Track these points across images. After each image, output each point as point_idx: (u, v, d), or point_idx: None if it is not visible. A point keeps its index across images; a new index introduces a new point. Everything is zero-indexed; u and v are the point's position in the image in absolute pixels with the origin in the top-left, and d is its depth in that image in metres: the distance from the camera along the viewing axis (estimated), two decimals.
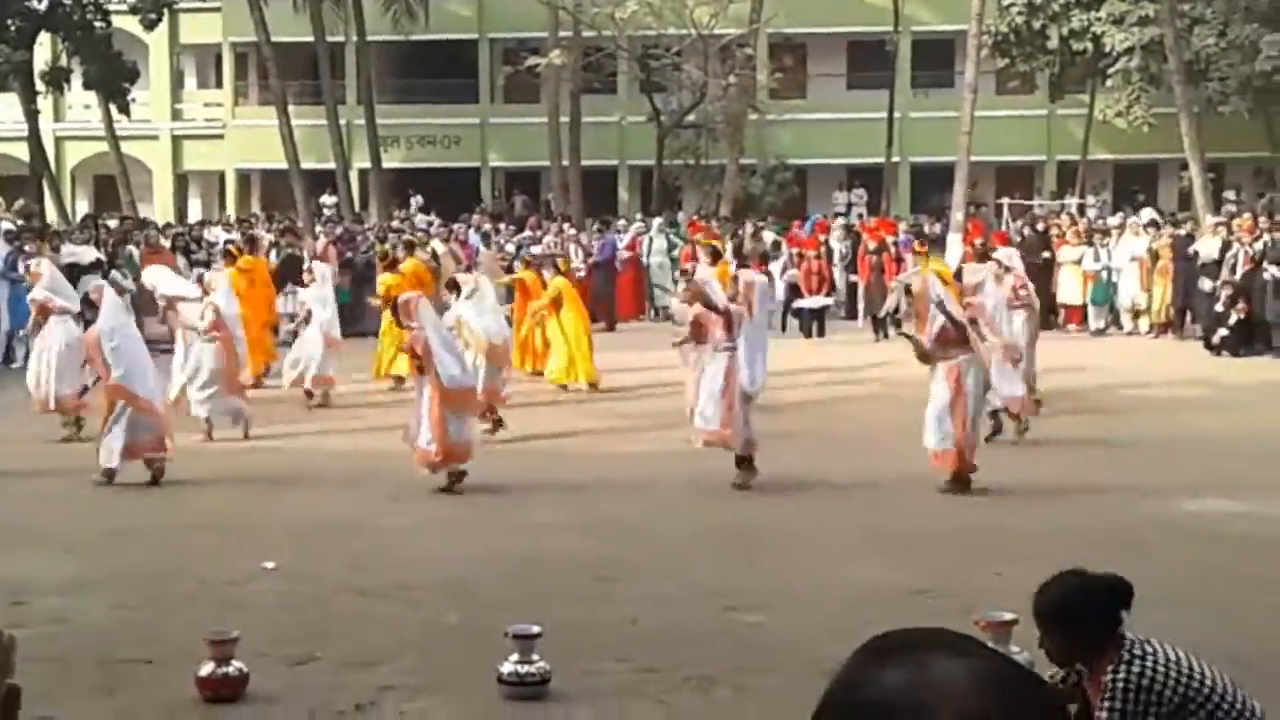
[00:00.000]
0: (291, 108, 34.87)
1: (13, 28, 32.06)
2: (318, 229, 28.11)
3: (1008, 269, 14.34)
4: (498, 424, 13.70)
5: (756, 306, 11.45)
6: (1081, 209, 31.99)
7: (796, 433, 13.91)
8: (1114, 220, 25.94)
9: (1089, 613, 4.23)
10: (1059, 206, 32.29)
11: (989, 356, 11.62)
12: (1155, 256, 22.52)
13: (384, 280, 17.69)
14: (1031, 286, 14.76)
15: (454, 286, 14.78)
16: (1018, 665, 1.22)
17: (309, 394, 16.03)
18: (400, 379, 16.02)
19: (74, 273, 20.28)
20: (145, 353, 12.14)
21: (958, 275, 13.14)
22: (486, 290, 15.07)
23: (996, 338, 12.37)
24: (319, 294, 16.60)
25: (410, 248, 20.08)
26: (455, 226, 27.84)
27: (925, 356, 11.07)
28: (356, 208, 36.00)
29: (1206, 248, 21.22)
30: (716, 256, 14.09)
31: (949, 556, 9.14)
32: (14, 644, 1.79)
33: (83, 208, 39.25)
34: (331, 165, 35.62)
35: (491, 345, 14.14)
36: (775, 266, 26.03)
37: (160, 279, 14.97)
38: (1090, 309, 23.47)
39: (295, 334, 17.24)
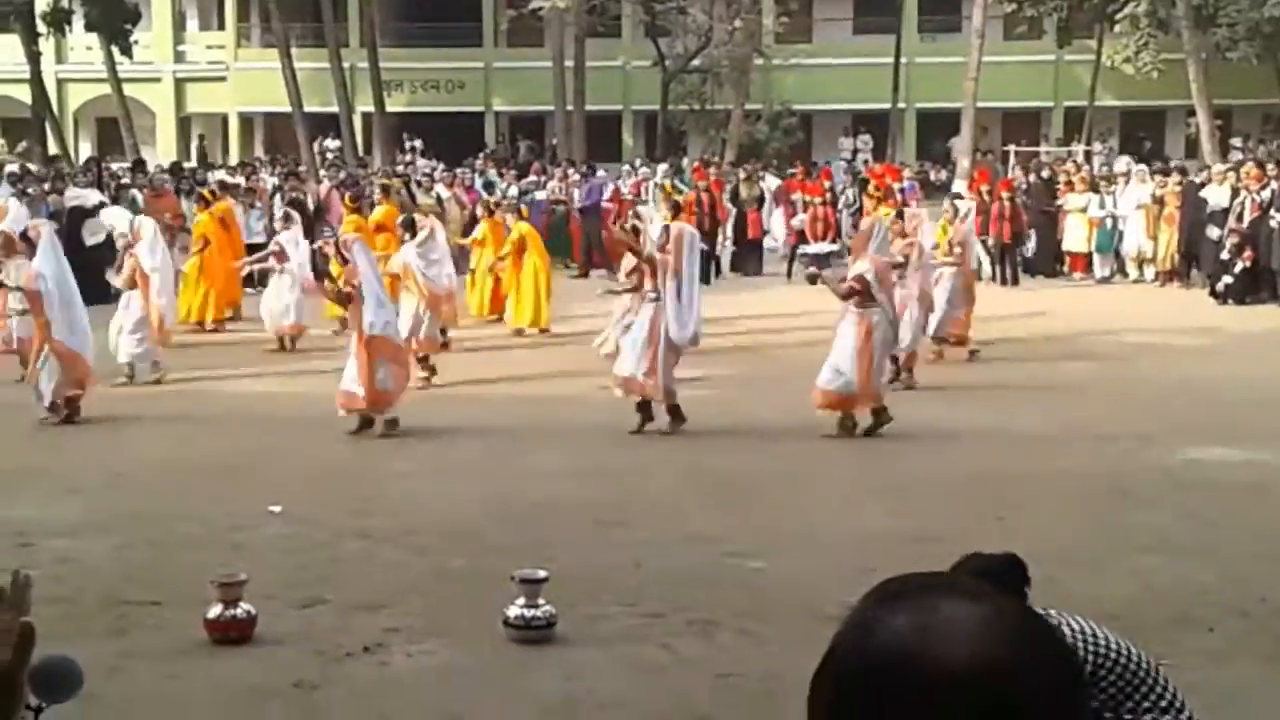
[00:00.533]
0: (294, 50, 34.67)
1: None
2: (321, 173, 28.03)
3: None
4: (432, 371, 13.78)
5: (686, 258, 11.48)
6: (1088, 155, 31.84)
7: (792, 377, 13.93)
8: (1120, 167, 25.81)
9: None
10: (1065, 153, 32.14)
11: (902, 307, 12.35)
12: (1161, 204, 22.43)
13: (349, 221, 17.71)
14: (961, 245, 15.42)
15: (409, 226, 14.75)
16: (1030, 610, 1.22)
17: (282, 342, 16.09)
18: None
19: (77, 216, 20.28)
20: (77, 298, 12.10)
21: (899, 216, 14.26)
22: (440, 237, 15.09)
23: (915, 284, 13.35)
24: (291, 237, 16.63)
25: (386, 191, 20.10)
26: (459, 171, 27.75)
27: (844, 296, 11.48)
28: (360, 152, 35.87)
29: (1215, 195, 21.14)
30: (677, 209, 14.13)
31: (950, 503, 9.18)
32: (29, 583, 1.81)
33: (85, 150, 39.09)
34: (335, 109, 35.45)
35: (433, 294, 14.17)
36: (777, 214, 26.03)
37: (118, 220, 14.83)
38: (1095, 256, 23.41)
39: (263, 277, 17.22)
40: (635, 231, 12.72)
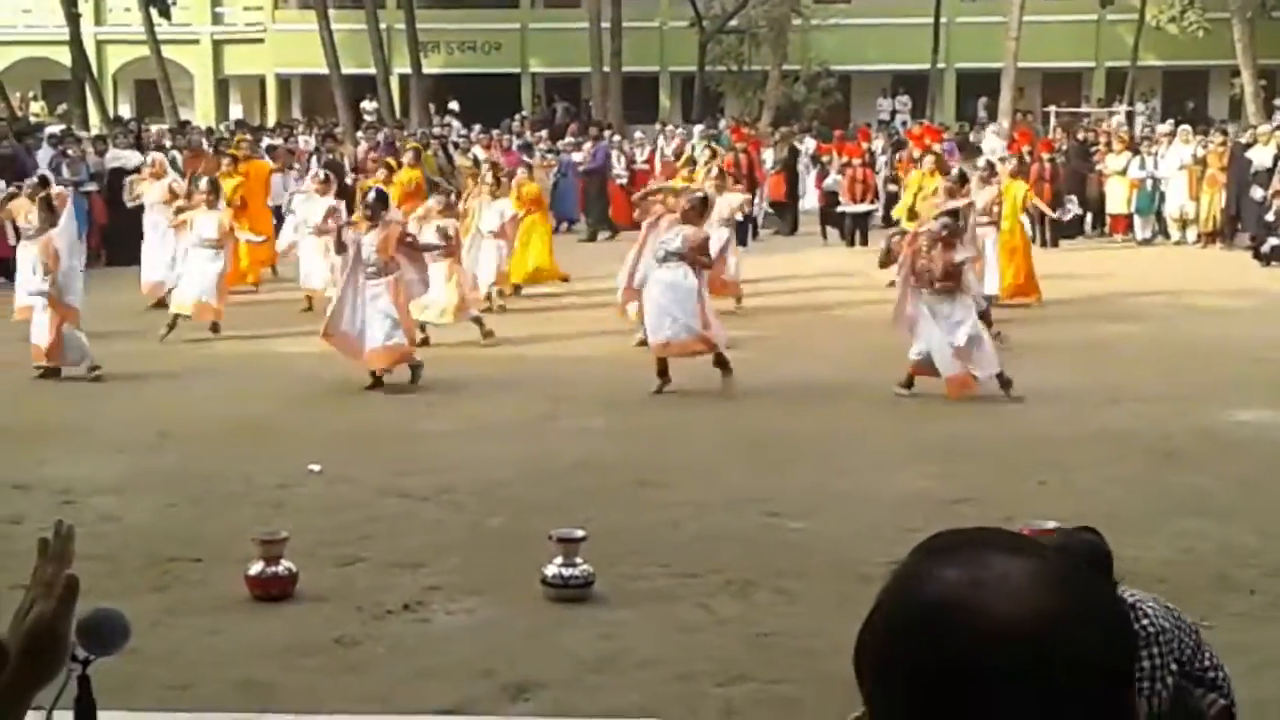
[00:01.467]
0: (332, 12, 34.65)
1: None
2: (358, 135, 28.04)
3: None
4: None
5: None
6: (1130, 116, 31.48)
7: (832, 338, 13.90)
8: (1163, 128, 25.51)
9: None
10: (1106, 114, 31.79)
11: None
12: (1204, 165, 22.17)
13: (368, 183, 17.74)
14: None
15: (435, 189, 14.95)
16: (1080, 566, 1.21)
17: (310, 302, 15.91)
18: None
19: (118, 177, 20.38)
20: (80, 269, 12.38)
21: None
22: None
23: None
24: (308, 199, 16.55)
25: (417, 155, 20.02)
26: (495, 133, 27.70)
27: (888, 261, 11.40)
28: (397, 114, 35.87)
29: (1260, 156, 20.88)
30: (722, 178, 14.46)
31: (992, 465, 9.14)
32: (72, 534, 1.81)
33: (125, 112, 39.26)
34: (372, 71, 35.44)
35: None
36: (809, 176, 25.91)
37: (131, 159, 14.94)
38: (1136, 218, 23.19)
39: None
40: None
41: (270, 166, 20.57)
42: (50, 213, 12.30)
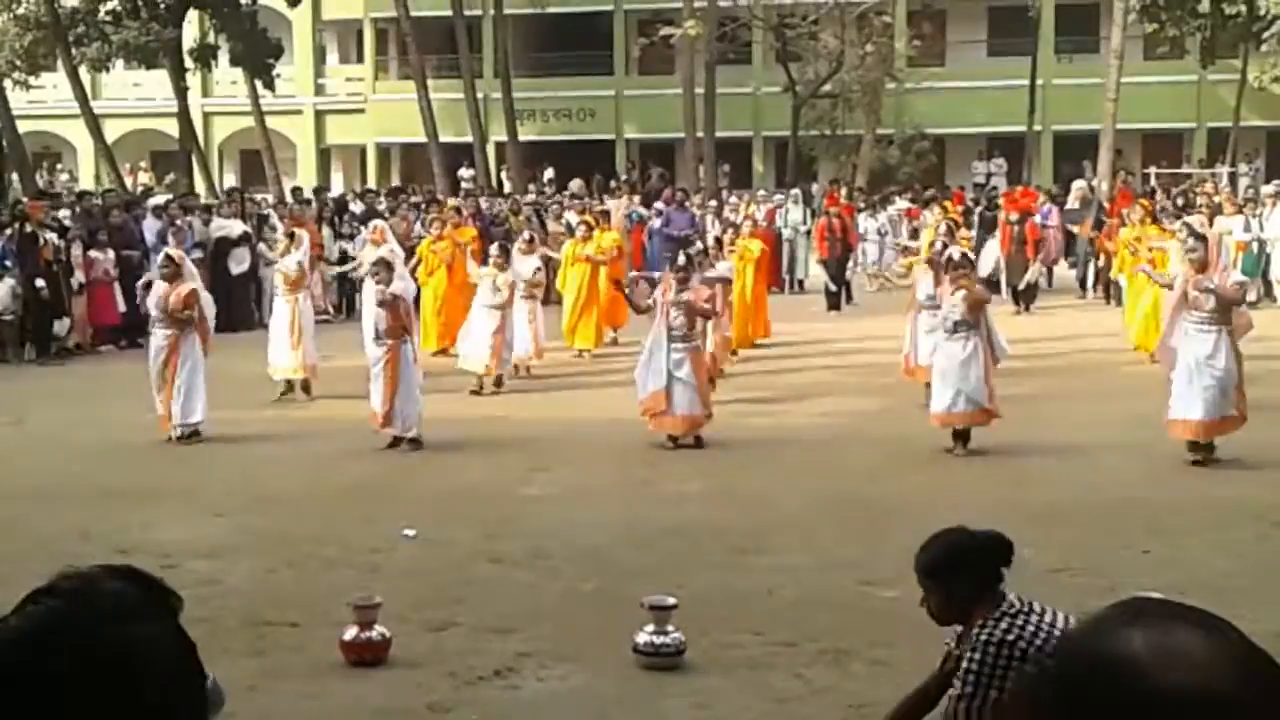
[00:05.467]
0: (430, 82, 35.32)
1: (162, 6, 32.95)
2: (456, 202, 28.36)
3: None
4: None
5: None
6: (1233, 177, 30.97)
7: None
8: (1268, 189, 25.04)
9: (969, 566, 4.17)
10: (1208, 175, 31.31)
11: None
12: None
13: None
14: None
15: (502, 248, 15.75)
16: (1263, 651, 1.21)
17: None
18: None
19: (222, 246, 20.85)
20: None
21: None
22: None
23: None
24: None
25: (457, 225, 19.69)
26: (588, 199, 27.90)
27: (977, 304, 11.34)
28: (493, 181, 36.35)
29: None
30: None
31: (1094, 531, 8.95)
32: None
33: (229, 181, 40.22)
34: (469, 138, 35.99)
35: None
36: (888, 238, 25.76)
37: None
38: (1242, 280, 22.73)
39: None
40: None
41: (475, 233, 20.34)
42: (177, 269, 12.82)
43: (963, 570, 4.21)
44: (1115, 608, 1.24)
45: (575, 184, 33.61)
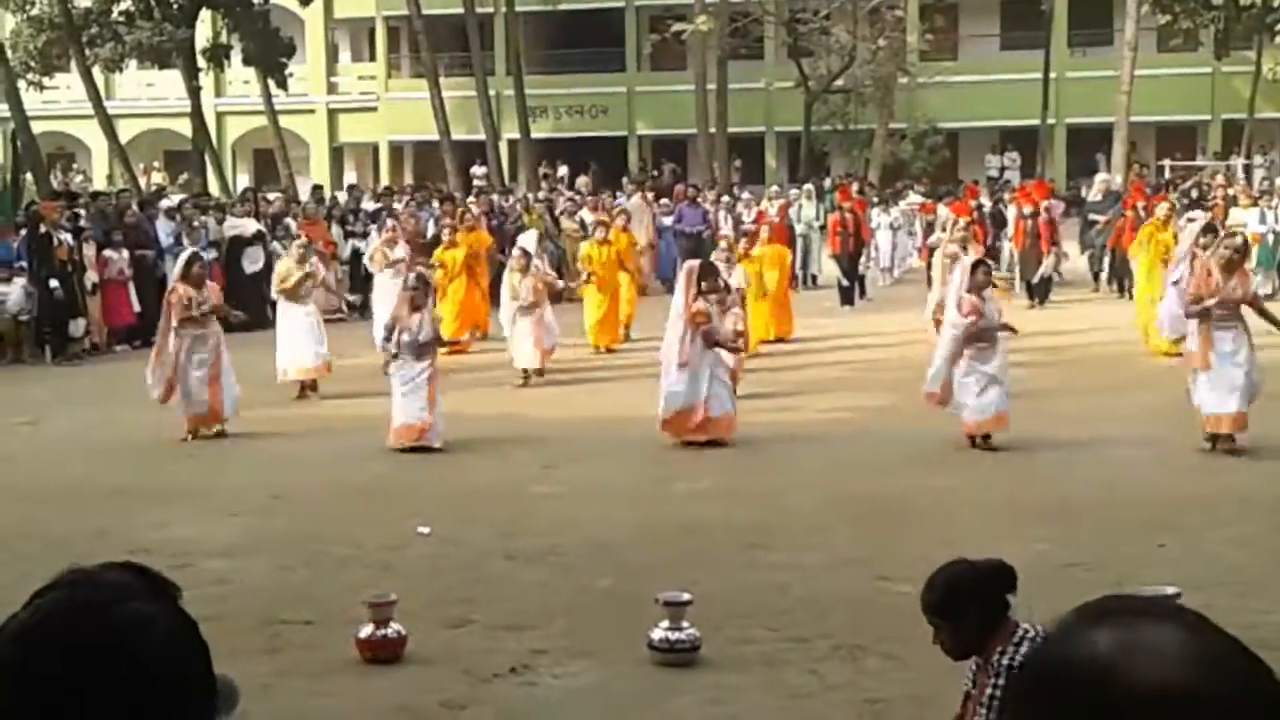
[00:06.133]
0: (442, 79, 35.38)
1: (175, 6, 33.07)
2: (469, 200, 28.38)
3: None
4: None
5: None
6: (1247, 169, 30.85)
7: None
8: None
9: (974, 598, 4.15)
10: (1223, 167, 31.20)
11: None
12: None
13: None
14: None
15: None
16: (1238, 643, 1.19)
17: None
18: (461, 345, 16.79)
19: (236, 245, 20.89)
20: None
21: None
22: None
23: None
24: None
25: (471, 229, 19.56)
26: (603, 195, 27.89)
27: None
28: (506, 178, 36.40)
29: None
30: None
31: (1107, 526, 8.93)
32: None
33: (243, 180, 40.35)
34: (481, 136, 36.04)
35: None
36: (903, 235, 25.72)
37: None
38: (1257, 272, 22.63)
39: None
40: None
41: (489, 240, 20.32)
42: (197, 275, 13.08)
43: (969, 603, 4.20)
44: (1082, 609, 1.22)
45: (581, 180, 33.68)
